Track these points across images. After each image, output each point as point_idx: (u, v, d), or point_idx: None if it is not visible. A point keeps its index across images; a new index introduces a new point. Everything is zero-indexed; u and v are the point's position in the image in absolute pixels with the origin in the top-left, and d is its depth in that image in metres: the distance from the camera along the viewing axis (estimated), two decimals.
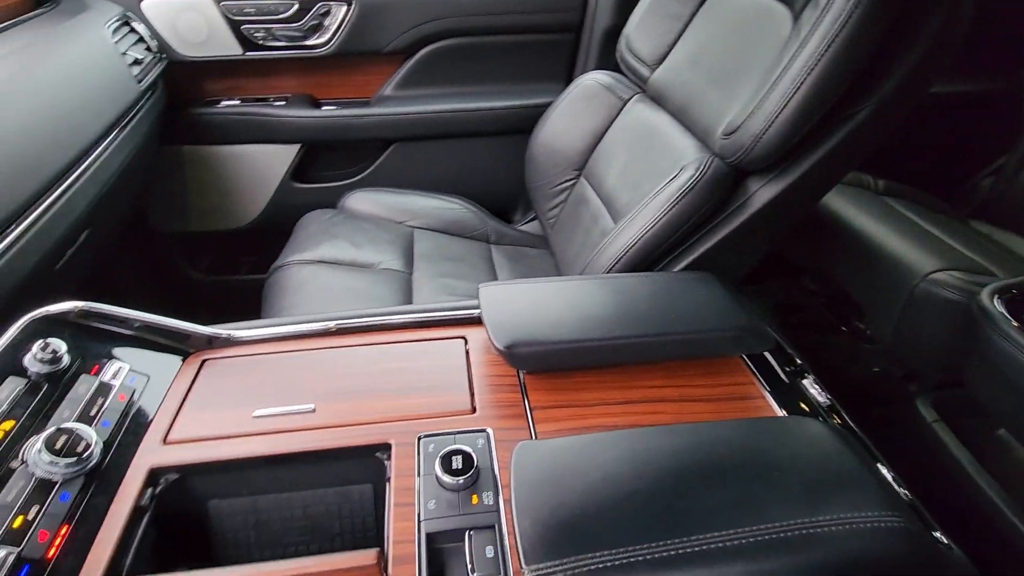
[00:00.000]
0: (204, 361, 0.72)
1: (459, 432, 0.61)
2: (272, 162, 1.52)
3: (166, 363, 0.71)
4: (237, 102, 1.45)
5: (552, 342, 0.67)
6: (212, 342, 0.74)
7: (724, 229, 0.90)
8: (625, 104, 1.20)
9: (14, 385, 0.58)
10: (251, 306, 1.68)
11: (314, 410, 0.64)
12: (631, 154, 1.13)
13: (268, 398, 0.66)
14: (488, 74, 1.51)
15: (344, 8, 1.34)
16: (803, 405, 0.69)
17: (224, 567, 0.51)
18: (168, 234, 1.59)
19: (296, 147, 1.50)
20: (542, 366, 0.70)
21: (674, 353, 0.72)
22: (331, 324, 0.76)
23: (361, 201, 1.42)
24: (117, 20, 1.18)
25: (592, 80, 1.25)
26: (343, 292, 1.11)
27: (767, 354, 0.75)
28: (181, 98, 1.41)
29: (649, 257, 0.91)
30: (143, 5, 1.27)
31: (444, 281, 1.21)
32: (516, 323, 0.69)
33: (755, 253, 0.99)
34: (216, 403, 0.65)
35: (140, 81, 1.14)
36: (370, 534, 0.64)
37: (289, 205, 1.57)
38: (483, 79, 1.51)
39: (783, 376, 0.73)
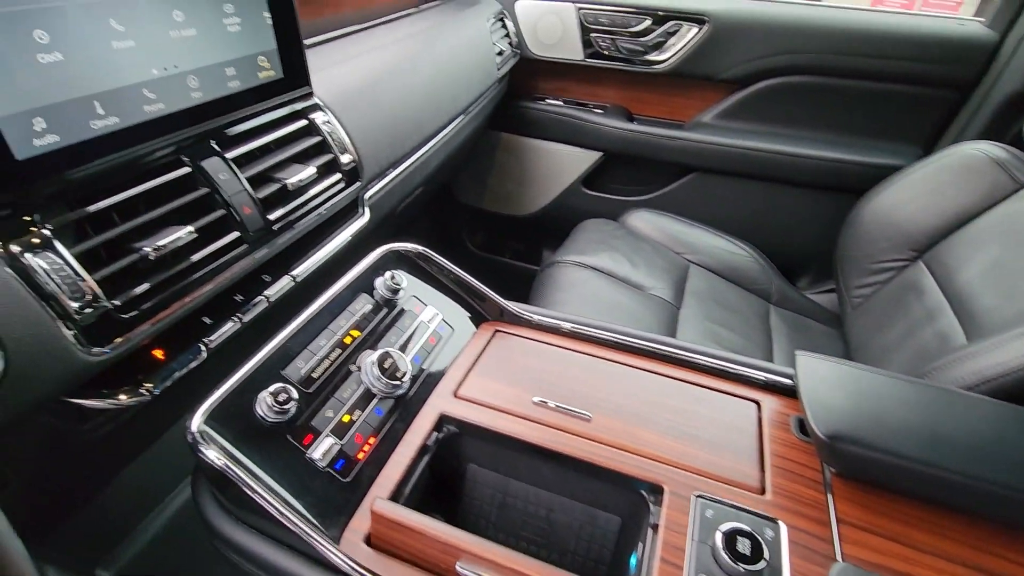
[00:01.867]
0: (496, 331, 0.75)
1: (744, 510, 0.53)
2: (570, 163, 1.59)
3: (464, 322, 0.76)
4: (560, 103, 1.55)
5: (891, 453, 0.53)
6: (503, 314, 0.78)
7: None
8: (1020, 189, 0.95)
9: (365, 302, 0.67)
10: (506, 286, 1.81)
11: (590, 419, 0.62)
12: (1010, 251, 0.89)
13: (547, 388, 0.65)
14: (826, 120, 1.34)
15: (695, 29, 1.32)
16: None
17: (471, 534, 0.51)
18: (462, 205, 1.78)
19: (597, 155, 1.54)
20: (864, 475, 0.56)
21: None
22: (617, 336, 0.73)
23: (644, 221, 1.40)
24: (495, 15, 1.34)
25: (978, 151, 1.01)
26: (611, 306, 1.09)
27: None
28: (515, 90, 1.55)
29: None
30: (517, 5, 1.42)
31: (712, 327, 1.11)
32: (843, 412, 0.57)
33: None
34: (501, 375, 0.67)
35: (499, 69, 1.28)
36: (602, 568, 0.60)
37: (570, 207, 1.63)
38: (817, 124, 1.35)
39: None
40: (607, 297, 1.11)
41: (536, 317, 0.76)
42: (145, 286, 0.48)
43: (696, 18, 1.32)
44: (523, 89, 1.57)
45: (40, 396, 0.42)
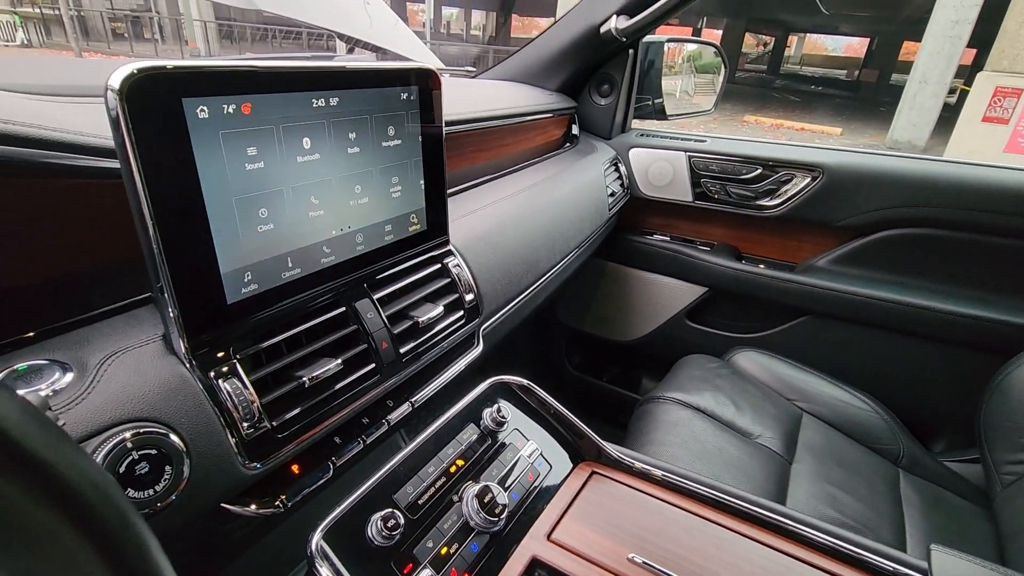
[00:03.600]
0: (593, 473, 0.75)
1: None
2: (675, 295, 1.61)
3: (562, 458, 0.77)
4: (667, 238, 1.61)
5: None
6: (601, 454, 0.78)
7: None
8: None
9: (471, 432, 0.71)
10: (602, 411, 1.79)
11: None
12: None
13: (644, 545, 0.64)
14: (962, 274, 1.27)
15: (808, 179, 1.35)
16: None
17: None
18: (563, 325, 1.84)
19: (703, 289, 1.55)
20: None
21: None
22: (722, 497, 0.70)
23: (751, 361, 1.36)
24: (610, 161, 1.46)
25: None
26: (715, 452, 1.04)
27: None
28: (623, 224, 1.64)
29: None
30: (631, 152, 1.55)
31: (829, 489, 1.02)
32: None
33: None
34: (596, 522, 0.67)
35: (610, 209, 1.38)
36: None
37: (673, 337, 1.63)
38: (953, 278, 1.28)
39: None
40: (710, 442, 1.07)
41: (636, 463, 0.76)
42: (297, 410, 0.56)
43: (809, 169, 1.35)
44: (631, 224, 1.65)
45: (209, 502, 0.50)
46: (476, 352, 0.83)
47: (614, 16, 1.31)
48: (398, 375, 0.68)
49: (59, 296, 0.51)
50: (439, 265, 0.78)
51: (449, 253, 0.80)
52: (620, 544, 0.64)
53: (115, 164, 0.47)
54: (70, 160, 0.46)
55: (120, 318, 0.53)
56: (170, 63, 0.44)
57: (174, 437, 0.46)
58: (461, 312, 0.78)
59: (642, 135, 1.60)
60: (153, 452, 0.44)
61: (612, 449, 0.78)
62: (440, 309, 0.73)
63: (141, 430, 0.44)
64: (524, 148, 1.33)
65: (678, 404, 1.17)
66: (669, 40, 1.64)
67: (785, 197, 1.39)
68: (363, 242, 0.65)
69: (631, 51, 1.49)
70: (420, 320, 0.70)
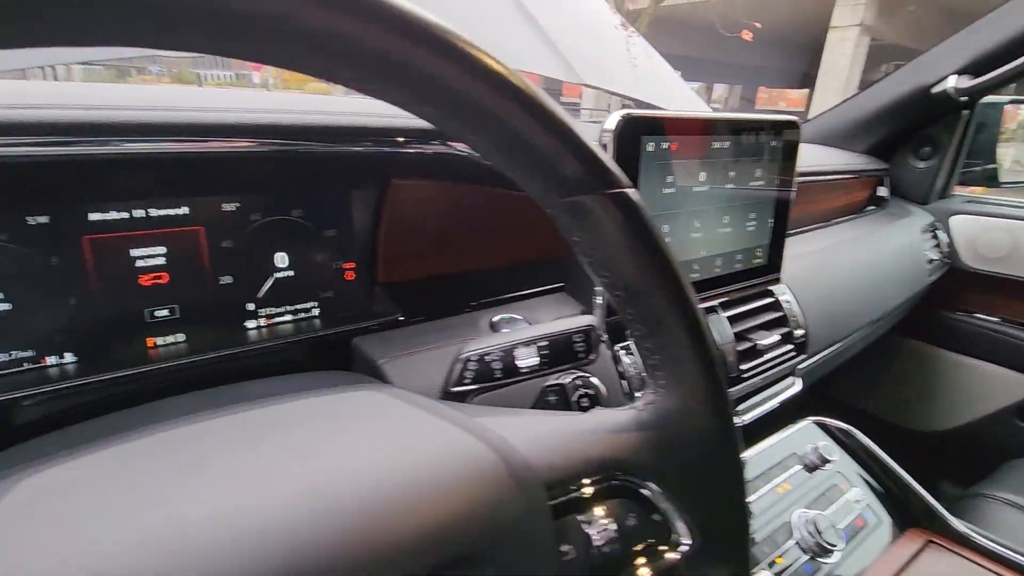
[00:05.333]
0: (928, 543, 0.69)
1: None
2: (999, 388, 1.36)
3: (886, 517, 0.73)
4: (995, 319, 1.38)
5: None
6: (934, 521, 0.72)
7: None
8: None
9: (794, 462, 0.73)
10: None
11: None
12: None
13: None
14: None
15: None
16: None
17: None
18: (839, 400, 1.67)
19: None
20: None
21: None
22: None
23: None
24: (928, 227, 1.34)
25: None
26: None
27: None
28: (935, 298, 1.46)
29: None
30: (953, 219, 1.40)
31: None
32: None
33: None
34: None
35: (928, 276, 1.26)
36: None
37: (994, 437, 1.37)
38: None
39: None
40: None
41: (993, 545, 0.68)
42: None
43: None
44: (946, 299, 1.46)
45: None
46: (796, 388, 0.85)
47: (953, 76, 1.24)
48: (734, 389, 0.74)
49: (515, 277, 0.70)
50: (773, 299, 0.83)
51: (782, 290, 0.85)
52: None
53: None
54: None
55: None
56: (636, 112, 0.59)
57: None
58: (791, 345, 0.82)
59: (969, 202, 1.43)
60: None
61: (959, 524, 0.71)
62: (777, 337, 0.78)
63: None
64: (826, 207, 1.31)
65: (1018, 510, 0.99)
66: (1012, 101, 1.46)
67: None
68: (720, 266, 0.74)
69: (965, 112, 1.37)
70: (760, 344, 0.75)
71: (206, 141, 0.45)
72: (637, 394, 0.60)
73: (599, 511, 0.29)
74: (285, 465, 0.22)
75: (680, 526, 0.30)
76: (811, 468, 0.74)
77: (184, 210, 0.54)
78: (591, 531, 0.28)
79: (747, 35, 9.42)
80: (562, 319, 0.54)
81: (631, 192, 0.28)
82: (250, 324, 0.59)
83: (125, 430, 0.38)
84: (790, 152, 0.77)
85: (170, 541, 0.18)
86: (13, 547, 0.18)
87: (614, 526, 0.29)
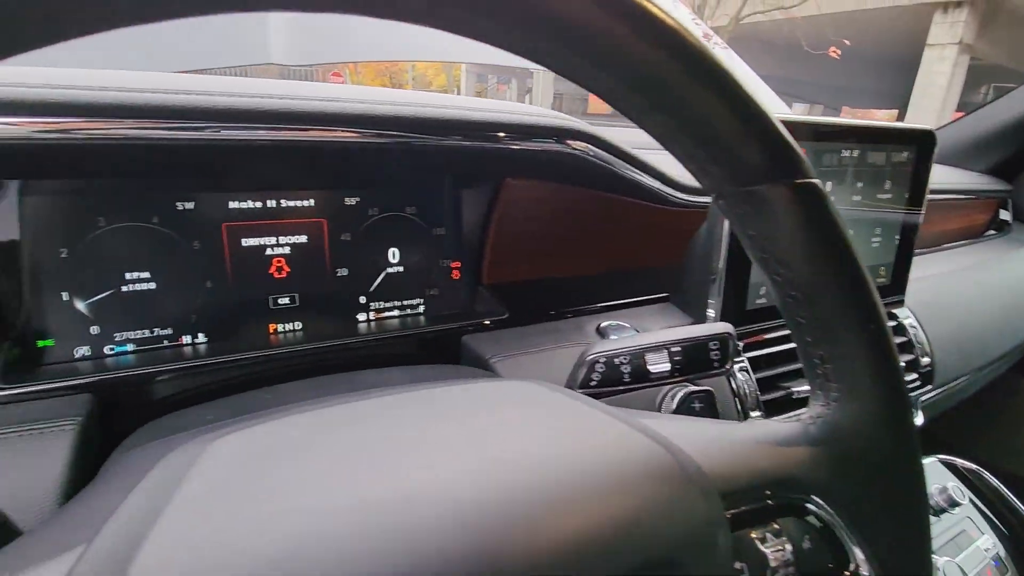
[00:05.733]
0: None
1: None
2: None
3: (1012, 570, 0.65)
4: None
5: None
6: None
7: None
8: None
9: None
10: None
11: None
12: None
13: None
14: None
15: None
16: None
17: None
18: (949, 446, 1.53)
19: None
20: None
21: None
22: None
23: None
24: None
25: None
26: None
27: None
28: None
29: None
30: None
31: None
32: None
33: None
34: None
35: None
36: None
37: None
38: None
39: None
40: None
41: None
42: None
43: None
44: None
45: None
46: (917, 422, 0.78)
47: None
48: None
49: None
50: (896, 322, 0.76)
51: (905, 313, 0.78)
52: None
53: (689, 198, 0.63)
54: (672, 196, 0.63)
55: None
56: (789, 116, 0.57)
57: None
58: (916, 374, 0.75)
59: None
60: None
61: None
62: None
63: None
64: (943, 229, 1.21)
65: None
66: None
67: None
68: (764, 294, 0.69)
69: None
70: (795, 390, 0.70)
71: (331, 130, 0.46)
72: (754, 413, 0.57)
73: (772, 530, 0.27)
74: (478, 445, 0.21)
75: (858, 554, 0.27)
76: (938, 511, 0.67)
77: (310, 202, 0.56)
78: (767, 550, 0.26)
79: (835, 53, 8.99)
80: (695, 325, 0.51)
81: (818, 183, 0.26)
82: (360, 316, 0.61)
83: (296, 402, 0.39)
84: (922, 164, 0.71)
85: (397, 504, 0.18)
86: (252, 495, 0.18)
87: (789, 547, 0.26)
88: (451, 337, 0.60)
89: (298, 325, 0.58)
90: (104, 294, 0.48)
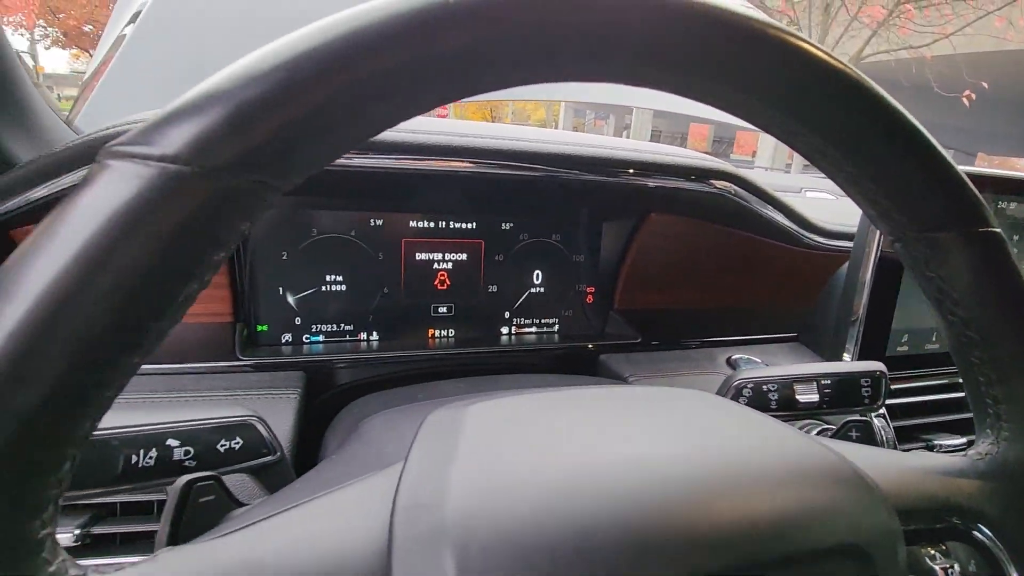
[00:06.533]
0: None
1: None
2: None
3: None
4: None
5: None
6: None
7: None
8: None
9: None
10: None
11: None
12: None
13: None
14: None
15: None
16: None
17: None
18: None
19: None
20: None
21: None
22: None
23: None
24: None
25: None
26: None
27: None
28: None
29: None
30: None
31: None
32: None
33: None
34: None
35: None
36: None
37: None
38: None
39: None
40: None
41: None
42: None
43: None
44: None
45: None
46: None
47: None
48: None
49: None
50: None
51: None
52: None
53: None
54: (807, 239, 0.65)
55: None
56: (971, 169, 0.58)
57: None
58: None
59: None
60: None
61: None
62: (962, 440, 0.67)
63: None
64: None
65: None
66: None
67: None
68: (906, 342, 0.66)
69: None
70: (937, 442, 0.65)
71: (494, 163, 0.53)
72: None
73: (940, 550, 0.28)
74: (692, 432, 0.25)
75: None
76: None
77: (472, 225, 0.64)
78: (936, 567, 0.28)
79: (969, 96, 8.25)
80: (846, 362, 0.52)
81: (999, 232, 0.28)
82: (504, 330, 0.67)
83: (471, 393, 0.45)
84: None
85: (641, 462, 0.22)
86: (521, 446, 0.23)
87: (957, 567, 0.28)
88: (584, 355, 0.65)
89: (452, 332, 0.65)
90: (309, 291, 0.58)
